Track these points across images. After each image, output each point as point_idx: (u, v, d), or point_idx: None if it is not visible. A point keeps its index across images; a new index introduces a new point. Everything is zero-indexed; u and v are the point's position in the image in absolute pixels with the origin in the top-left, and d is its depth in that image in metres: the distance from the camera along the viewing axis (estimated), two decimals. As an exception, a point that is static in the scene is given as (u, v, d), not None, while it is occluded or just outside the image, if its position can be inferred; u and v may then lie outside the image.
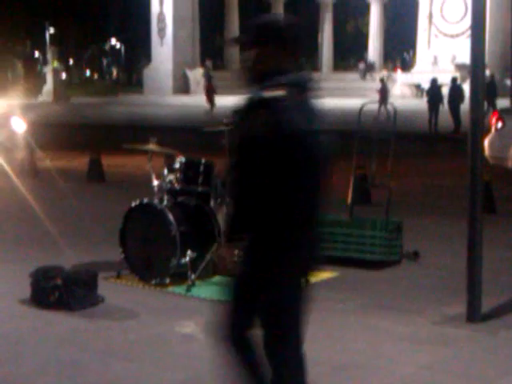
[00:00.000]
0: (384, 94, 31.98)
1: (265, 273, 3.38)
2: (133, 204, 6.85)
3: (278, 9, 52.32)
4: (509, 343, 5.35)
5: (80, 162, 15.00)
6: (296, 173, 3.29)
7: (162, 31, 48.57)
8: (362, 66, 50.18)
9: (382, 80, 34.13)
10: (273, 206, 3.30)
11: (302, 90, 3.37)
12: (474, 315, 5.68)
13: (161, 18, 48.41)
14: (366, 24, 54.33)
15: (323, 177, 3.43)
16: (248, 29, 3.47)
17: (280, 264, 3.37)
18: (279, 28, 3.41)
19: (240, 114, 3.33)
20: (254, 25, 3.45)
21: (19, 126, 14.94)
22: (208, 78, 36.02)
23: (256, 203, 3.30)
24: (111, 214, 8.78)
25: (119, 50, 72.72)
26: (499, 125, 13.61)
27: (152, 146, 7.02)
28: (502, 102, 27.76)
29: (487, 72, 32.10)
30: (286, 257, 3.37)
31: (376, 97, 30.16)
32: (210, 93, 34.52)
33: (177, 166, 6.86)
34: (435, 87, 26.15)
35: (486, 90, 21.81)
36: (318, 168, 3.39)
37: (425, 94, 28.90)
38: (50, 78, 47.85)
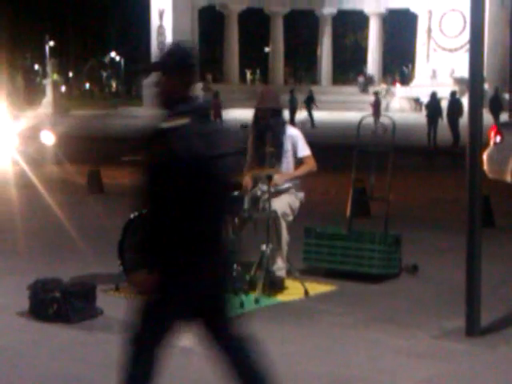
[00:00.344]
0: (377, 107, 32.29)
1: (173, 295, 3.55)
2: (132, 216, 6.84)
3: (278, 22, 52.48)
4: (508, 357, 5.34)
5: (80, 174, 15.00)
6: (198, 198, 3.44)
7: (161, 44, 48.67)
8: (361, 79, 50.35)
9: (375, 93, 34.45)
10: (177, 230, 3.45)
11: (205, 116, 3.53)
12: (473, 329, 5.67)
13: (160, 31, 48.55)
14: (365, 38, 54.51)
15: (226, 201, 3.62)
16: (156, 57, 3.63)
17: (185, 288, 3.52)
18: (184, 57, 3.58)
19: (143, 143, 3.51)
20: (162, 53, 3.60)
21: (48, 138, 15.06)
22: (214, 93, 36.88)
23: (163, 229, 3.46)
24: (110, 226, 8.77)
25: (119, 62, 72.89)
26: (498, 139, 13.64)
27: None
28: (500, 117, 27.88)
29: (486, 86, 32.44)
30: (190, 281, 3.52)
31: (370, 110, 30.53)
32: (217, 109, 35.05)
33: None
34: (435, 101, 26.26)
35: (490, 105, 22.15)
36: (220, 192, 3.53)
37: (424, 107, 29.02)
38: (49, 90, 47.92)
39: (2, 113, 17.23)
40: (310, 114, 35.49)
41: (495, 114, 27.75)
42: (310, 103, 36.08)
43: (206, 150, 3.43)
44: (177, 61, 3.55)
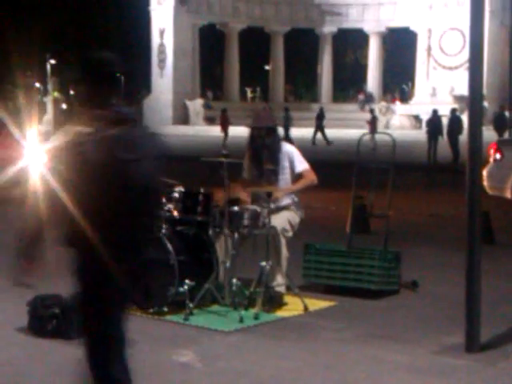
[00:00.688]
0: (374, 124, 32.59)
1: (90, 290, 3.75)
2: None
3: (278, 41, 52.68)
4: (508, 374, 5.33)
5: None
6: (113, 202, 3.58)
7: (162, 62, 48.86)
8: (361, 97, 50.48)
9: (371, 111, 34.76)
10: (95, 227, 3.59)
11: (118, 122, 3.63)
12: (473, 345, 5.66)
13: (161, 49, 48.71)
14: (365, 56, 54.69)
15: (146, 205, 3.70)
16: (75, 66, 3.86)
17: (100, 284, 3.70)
18: (95, 65, 3.73)
19: (62, 147, 3.66)
20: (78, 62, 3.83)
21: None
22: (222, 110, 37.72)
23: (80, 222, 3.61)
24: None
25: (119, 80, 73.04)
26: (498, 156, 13.67)
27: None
28: (505, 134, 27.98)
29: (486, 104, 32.59)
30: (102, 277, 3.68)
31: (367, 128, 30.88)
32: (225, 124, 35.75)
33: (176, 195, 6.89)
34: (436, 118, 26.38)
35: (495, 122, 22.87)
36: (137, 196, 3.63)
37: (425, 124, 29.24)
38: (50, 107, 48.06)
39: (31, 131, 17.31)
40: (320, 131, 35.62)
41: (500, 131, 28.06)
42: (320, 120, 36.18)
43: (118, 154, 3.56)
44: (89, 70, 3.73)
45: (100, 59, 3.75)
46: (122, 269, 3.67)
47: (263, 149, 7.07)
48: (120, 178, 3.58)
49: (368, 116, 34.52)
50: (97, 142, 3.54)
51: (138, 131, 3.70)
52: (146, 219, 3.74)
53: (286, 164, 7.11)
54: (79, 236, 3.62)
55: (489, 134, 25.50)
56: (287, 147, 7.24)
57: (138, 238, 3.72)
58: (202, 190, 6.90)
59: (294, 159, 7.13)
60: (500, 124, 28.76)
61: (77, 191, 3.58)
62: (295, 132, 35.10)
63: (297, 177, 7.15)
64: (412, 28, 47.18)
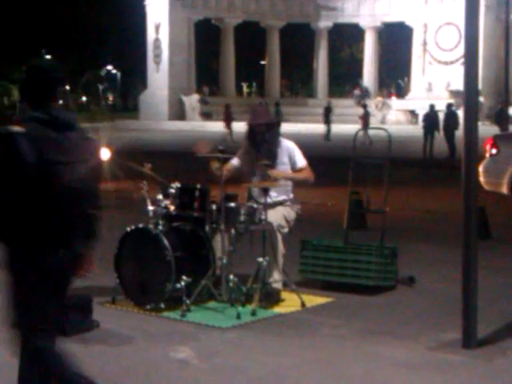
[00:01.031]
0: (366, 119, 32.63)
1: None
2: (128, 229, 6.85)
3: (274, 36, 52.64)
4: (504, 369, 5.33)
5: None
6: (30, 197, 3.73)
7: (157, 57, 48.79)
8: (357, 92, 50.48)
9: (364, 106, 34.76)
10: (15, 225, 3.75)
11: (51, 125, 3.77)
12: (470, 341, 5.67)
13: (157, 44, 48.63)
14: (361, 51, 54.68)
15: (77, 205, 3.89)
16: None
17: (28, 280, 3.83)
18: (32, 70, 3.93)
19: None
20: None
21: (104, 153, 15.12)
22: (226, 105, 37.90)
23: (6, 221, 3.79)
24: (106, 238, 8.74)
25: (115, 75, 72.97)
26: (494, 151, 13.68)
27: (147, 171, 7.06)
28: (495, 129, 28.07)
29: (482, 99, 32.66)
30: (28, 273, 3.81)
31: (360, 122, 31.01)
32: (228, 119, 35.92)
33: (172, 191, 6.88)
34: (432, 113, 26.41)
35: (496, 117, 23.25)
36: (66, 197, 3.80)
37: (422, 119, 29.32)
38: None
39: None
40: (328, 127, 35.68)
41: (501, 126, 28.37)
42: (328, 115, 36.19)
43: (48, 156, 3.69)
44: (27, 74, 3.93)
45: (37, 65, 3.97)
46: (52, 263, 3.84)
47: (263, 144, 7.07)
48: (50, 179, 3.72)
49: (361, 111, 34.52)
50: (28, 143, 3.67)
51: (72, 135, 3.83)
52: (79, 220, 3.92)
53: (285, 160, 7.10)
54: (10, 231, 3.76)
55: (484, 128, 25.55)
56: (287, 143, 7.22)
57: (70, 238, 3.91)
58: (198, 186, 6.89)
59: (294, 155, 7.13)
60: (501, 119, 29.20)
61: (9, 189, 3.71)
62: (291, 127, 35.08)
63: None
64: (407, 23, 47.19)
